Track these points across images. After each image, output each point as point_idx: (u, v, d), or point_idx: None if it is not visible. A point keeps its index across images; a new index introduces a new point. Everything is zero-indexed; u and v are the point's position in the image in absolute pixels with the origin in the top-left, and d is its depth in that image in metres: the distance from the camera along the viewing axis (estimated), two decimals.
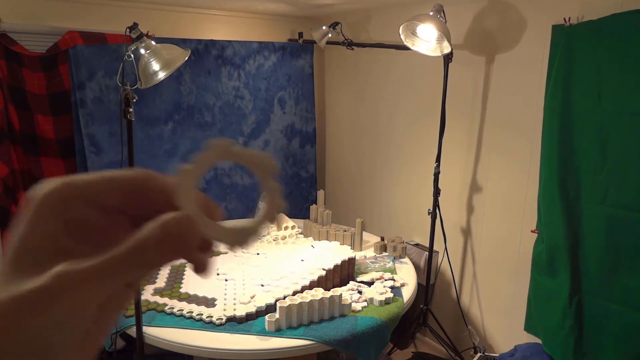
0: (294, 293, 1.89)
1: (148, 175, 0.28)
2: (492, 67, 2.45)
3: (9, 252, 0.26)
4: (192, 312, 1.81)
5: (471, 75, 2.54)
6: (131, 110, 2.07)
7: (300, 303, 1.75)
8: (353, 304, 1.90)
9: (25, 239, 0.26)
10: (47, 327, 0.24)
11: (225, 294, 1.95)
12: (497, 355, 2.42)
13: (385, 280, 2.13)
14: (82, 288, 0.25)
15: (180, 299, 1.92)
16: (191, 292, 1.97)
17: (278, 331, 1.72)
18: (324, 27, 2.89)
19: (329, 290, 1.87)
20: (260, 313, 1.82)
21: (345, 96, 3.34)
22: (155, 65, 2.08)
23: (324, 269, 2.03)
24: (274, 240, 2.49)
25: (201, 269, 0.28)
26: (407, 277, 2.21)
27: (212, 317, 1.77)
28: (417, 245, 2.85)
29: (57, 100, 2.42)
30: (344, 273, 2.13)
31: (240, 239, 0.29)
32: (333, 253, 2.21)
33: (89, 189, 0.27)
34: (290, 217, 2.64)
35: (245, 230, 0.29)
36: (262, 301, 1.85)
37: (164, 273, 2.15)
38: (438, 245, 2.69)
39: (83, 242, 0.27)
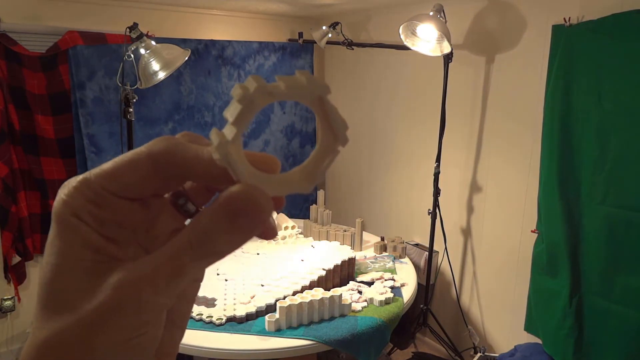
0: (294, 293, 1.89)
1: (171, 147, 0.25)
2: (492, 67, 2.45)
3: (44, 283, 0.23)
4: (192, 312, 1.81)
5: (471, 75, 2.54)
6: (131, 110, 2.08)
7: (300, 303, 1.75)
8: (353, 304, 1.90)
9: (62, 260, 0.23)
10: (118, 345, 0.22)
11: (225, 294, 1.95)
12: (497, 355, 2.42)
13: (385, 280, 2.13)
14: (149, 294, 0.22)
15: None
16: None
17: (278, 331, 1.72)
18: (324, 27, 2.89)
19: (329, 290, 1.87)
20: (260, 313, 1.82)
21: (345, 96, 3.34)
22: (155, 65, 2.08)
23: (324, 269, 2.03)
24: (274, 240, 2.49)
25: (271, 234, 0.25)
26: (407, 277, 2.21)
27: (212, 317, 1.77)
28: (417, 245, 2.85)
29: (57, 100, 2.42)
30: (344, 273, 2.12)
31: (309, 179, 0.25)
32: (333, 253, 2.21)
33: (109, 182, 0.24)
34: (290, 217, 2.64)
35: (310, 168, 0.25)
36: (262, 301, 1.85)
37: None
38: (438, 245, 2.69)
39: (125, 241, 0.24)
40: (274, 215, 2.42)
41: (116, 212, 0.24)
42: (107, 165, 0.24)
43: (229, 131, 0.23)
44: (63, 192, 0.24)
